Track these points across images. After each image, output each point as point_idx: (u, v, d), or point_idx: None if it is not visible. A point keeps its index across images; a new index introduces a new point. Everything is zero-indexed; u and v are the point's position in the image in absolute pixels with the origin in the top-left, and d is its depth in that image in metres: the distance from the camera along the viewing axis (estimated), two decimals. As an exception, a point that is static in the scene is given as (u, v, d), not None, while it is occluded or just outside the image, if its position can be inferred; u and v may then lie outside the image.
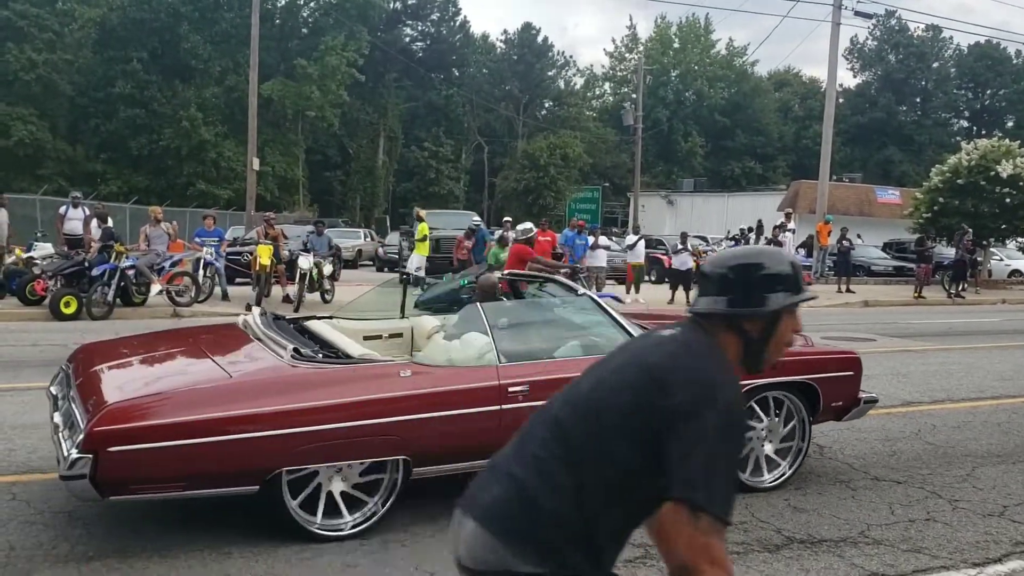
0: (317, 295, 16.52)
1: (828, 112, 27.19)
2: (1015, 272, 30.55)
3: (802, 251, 29.04)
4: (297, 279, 15.79)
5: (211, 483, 4.39)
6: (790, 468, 5.92)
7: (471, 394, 4.87)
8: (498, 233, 19.72)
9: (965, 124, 71.71)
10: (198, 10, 44.85)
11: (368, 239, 35.19)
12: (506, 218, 24.89)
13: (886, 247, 32.85)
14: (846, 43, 71.14)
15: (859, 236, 29.12)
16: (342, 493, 4.72)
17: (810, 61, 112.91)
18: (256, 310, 6.18)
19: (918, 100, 71.33)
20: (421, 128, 57.59)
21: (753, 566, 4.55)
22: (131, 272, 14.34)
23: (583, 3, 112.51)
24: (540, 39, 62.64)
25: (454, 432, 4.81)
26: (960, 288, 23.30)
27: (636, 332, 5.39)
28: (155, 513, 4.96)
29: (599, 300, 5.92)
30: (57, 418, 4.73)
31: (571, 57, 67.25)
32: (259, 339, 5.35)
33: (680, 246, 20.65)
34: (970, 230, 24.56)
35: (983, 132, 60.14)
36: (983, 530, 5.19)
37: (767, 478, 5.84)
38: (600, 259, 19.30)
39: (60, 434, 4.50)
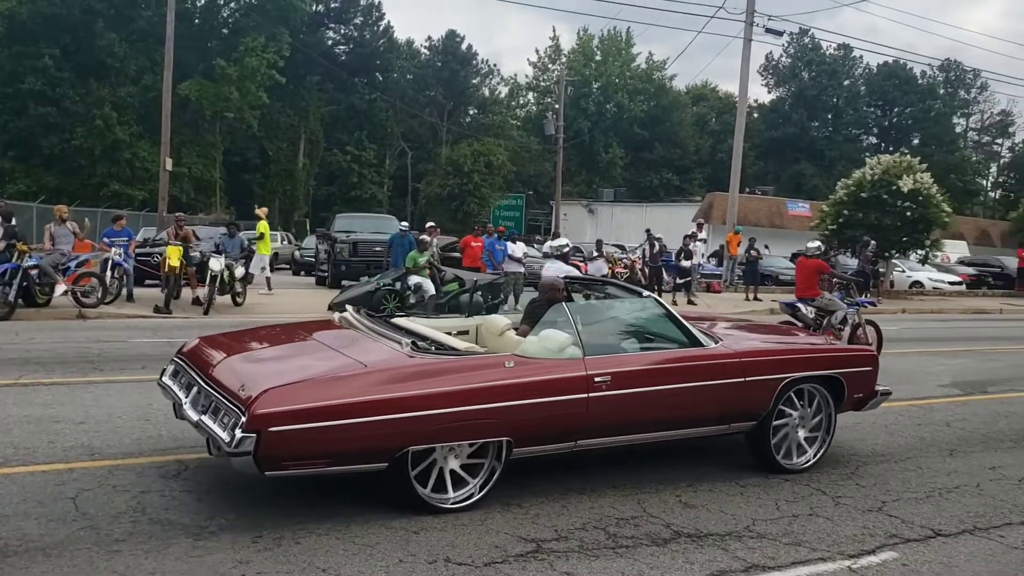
0: (228, 298, 16.23)
1: (739, 126, 27.91)
2: (916, 283, 31.75)
3: (713, 260, 29.72)
4: (208, 281, 15.49)
5: (350, 460, 4.93)
6: (814, 455, 6.63)
7: (564, 383, 5.47)
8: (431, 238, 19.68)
9: (874, 140, 74.37)
10: (114, 7, 43.60)
11: (285, 242, 34.67)
12: (429, 223, 24.86)
13: (794, 257, 33.77)
14: (761, 60, 73.26)
15: (766, 247, 29.91)
16: (451, 472, 5.25)
17: (727, 77, 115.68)
18: (351, 308, 6.67)
19: (830, 116, 73.68)
20: (343, 132, 57.08)
21: (640, 559, 4.66)
22: (34, 272, 13.87)
23: (508, 13, 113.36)
24: (465, 47, 62.82)
25: (548, 416, 5.42)
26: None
27: (694, 331, 6.32)
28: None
29: (663, 303, 6.56)
30: (187, 405, 5.23)
31: (495, 66, 67.40)
32: (370, 333, 5.92)
33: (595, 253, 20.97)
34: (873, 242, 25.43)
35: (891, 148, 62.40)
36: (861, 524, 5.41)
37: (798, 461, 6.55)
38: (518, 265, 19.42)
39: (202, 418, 4.96)
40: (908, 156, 29.43)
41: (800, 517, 5.48)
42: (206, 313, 15.12)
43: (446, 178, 51.17)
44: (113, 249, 15.80)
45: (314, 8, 56.33)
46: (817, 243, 14.20)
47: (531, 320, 6.44)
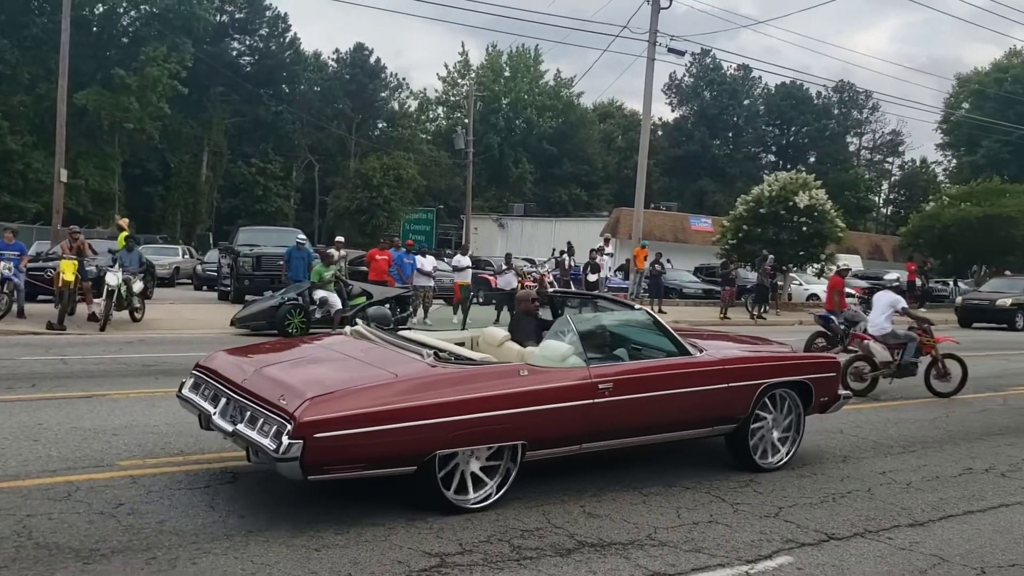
0: (126, 313, 15.68)
1: (643, 143, 28.46)
2: (813, 296, 32.88)
3: (619, 274, 30.20)
4: (104, 296, 14.94)
5: (383, 464, 5.20)
6: (787, 454, 7.17)
7: (572, 390, 5.85)
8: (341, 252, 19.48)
9: (772, 158, 76.81)
10: (6, 13, 41.87)
11: (187, 256, 33.72)
12: (338, 237, 24.56)
13: (697, 271, 34.64)
14: (665, 79, 75.00)
15: (668, 261, 30.55)
16: (472, 474, 5.57)
17: (633, 95, 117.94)
18: (361, 321, 7.08)
19: (730, 135, 75.84)
20: (249, 144, 55.97)
21: (544, 570, 4.66)
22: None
23: (416, 27, 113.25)
24: (373, 60, 62.33)
25: (558, 421, 5.80)
26: (762, 310, 24.85)
27: (682, 341, 6.77)
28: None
29: (654, 314, 7.06)
30: (217, 417, 5.46)
31: (404, 79, 66.82)
32: (387, 345, 6.25)
33: (505, 267, 21.05)
34: (770, 256, 26.27)
35: (788, 166, 64.61)
36: (759, 530, 5.54)
37: (772, 460, 7.08)
38: (427, 279, 19.35)
39: (238, 428, 5.20)
40: (804, 173, 30.57)
41: (700, 524, 5.58)
42: (102, 329, 14.59)
43: (355, 191, 50.73)
44: (2, 263, 15.09)
45: (218, 18, 55.11)
46: (846, 264, 15.97)
47: (517, 333, 6.76)
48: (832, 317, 14.31)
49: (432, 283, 19.62)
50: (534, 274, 27.18)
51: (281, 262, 18.73)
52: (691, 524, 5.57)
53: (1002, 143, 62.14)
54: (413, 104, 68.32)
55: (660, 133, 74.08)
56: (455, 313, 20.21)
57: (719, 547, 5.18)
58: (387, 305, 16.71)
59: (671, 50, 27.91)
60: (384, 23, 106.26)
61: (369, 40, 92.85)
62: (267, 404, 5.12)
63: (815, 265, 29.88)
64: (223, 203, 55.32)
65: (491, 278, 24.86)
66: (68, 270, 14.99)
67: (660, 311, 23.60)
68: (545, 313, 7.63)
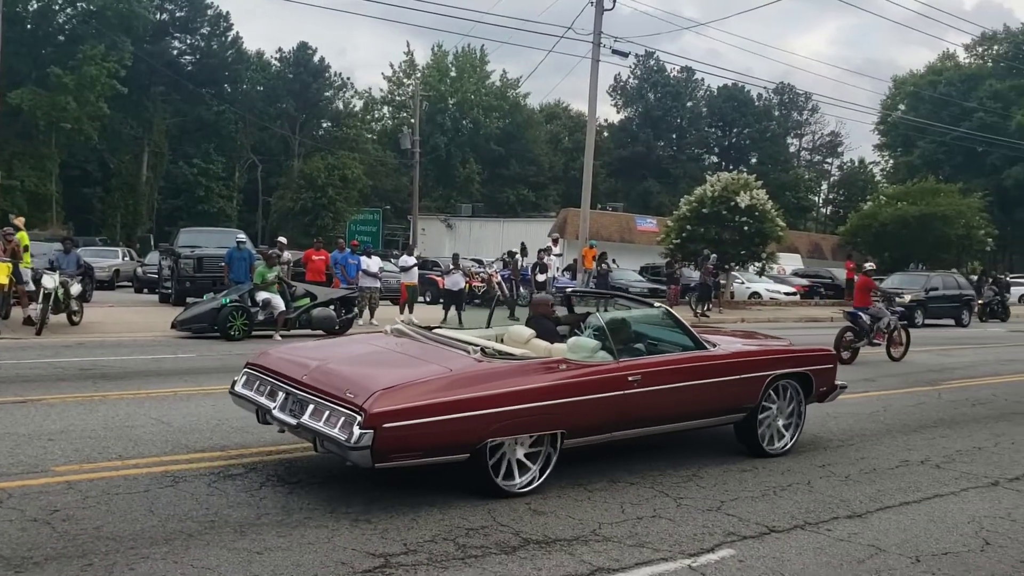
0: (64, 317, 15.31)
1: (589, 144, 28.62)
2: (755, 294, 33.46)
3: (567, 274, 30.30)
4: (40, 299, 14.55)
5: (441, 452, 5.58)
6: (791, 440, 7.69)
7: (606, 382, 6.32)
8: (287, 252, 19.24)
9: (715, 159, 77.89)
10: (-67, 7, 40.54)
11: (127, 258, 33.03)
12: (280, 238, 24.27)
13: (643, 271, 34.95)
14: (610, 80, 75.55)
15: (614, 261, 30.76)
16: (517, 461, 5.96)
17: (579, 96, 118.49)
18: (400, 321, 7.58)
19: (674, 136, 76.74)
20: (190, 144, 55.02)
21: (489, 567, 4.66)
22: None
23: (360, 26, 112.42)
24: (317, 59, 61.73)
25: (594, 411, 6.25)
26: (705, 308, 25.16)
27: (699, 336, 7.34)
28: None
29: (672, 311, 7.54)
30: (276, 411, 5.81)
31: (349, 79, 66.36)
32: (430, 342, 6.67)
33: (452, 267, 20.97)
34: (713, 255, 26.61)
35: (731, 167, 65.64)
36: (701, 523, 5.61)
37: (777, 446, 7.58)
38: (373, 280, 19.20)
39: (303, 421, 5.54)
40: (745, 174, 31.02)
41: (644, 519, 5.63)
42: (39, 333, 14.23)
43: (299, 192, 50.22)
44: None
45: (158, 16, 54.03)
46: (871, 264, 17.99)
47: (538, 332, 7.03)
48: (860, 313, 15.53)
49: (378, 284, 19.47)
50: (482, 274, 27.23)
51: (223, 263, 18.43)
52: (635, 519, 5.61)
53: (937, 144, 63.88)
54: (358, 104, 67.94)
55: (606, 134, 74.63)
56: (400, 313, 20.20)
57: (662, 541, 5.22)
58: (332, 306, 16.57)
59: (615, 52, 28.14)
60: (328, 22, 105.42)
61: (313, 39, 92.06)
62: (333, 398, 5.47)
63: (756, 264, 30.35)
64: (164, 204, 54.30)
65: (439, 278, 24.83)
66: (2, 273, 14.58)
67: (606, 310, 23.80)
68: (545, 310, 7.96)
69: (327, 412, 5.43)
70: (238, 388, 6.48)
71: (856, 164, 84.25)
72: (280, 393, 5.94)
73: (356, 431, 5.16)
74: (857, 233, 42.16)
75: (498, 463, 5.86)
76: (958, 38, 64.50)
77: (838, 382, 8.21)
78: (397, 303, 21.66)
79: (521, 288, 23.14)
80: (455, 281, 20.54)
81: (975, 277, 35.57)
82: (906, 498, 6.45)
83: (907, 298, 24.88)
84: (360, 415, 5.20)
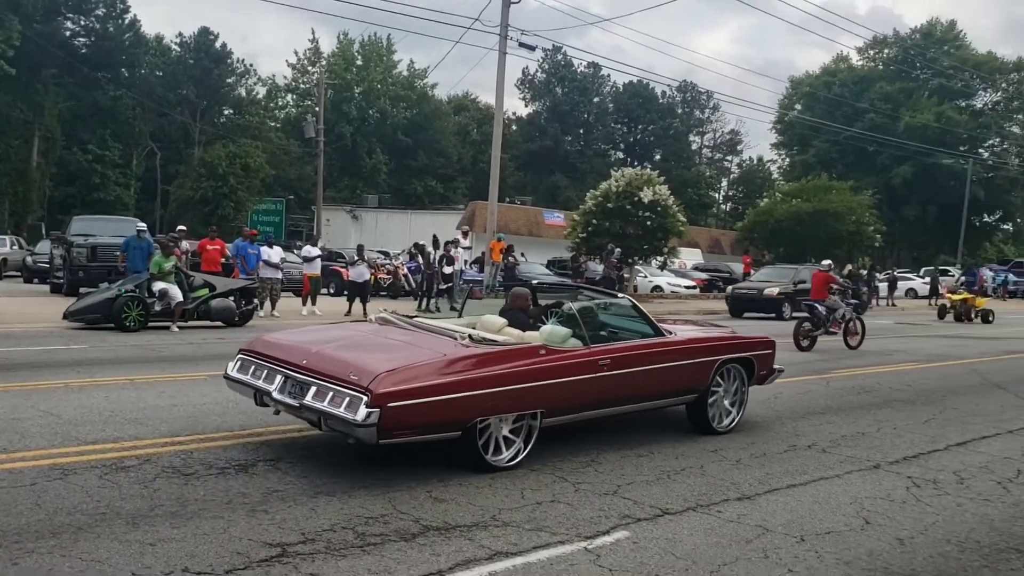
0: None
1: (496, 136, 28.73)
2: (657, 287, 34.16)
3: (475, 267, 30.36)
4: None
5: (436, 430, 6.05)
6: (737, 415, 8.47)
7: (580, 366, 6.86)
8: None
9: (621, 155, 79.13)
10: None
11: (16, 247, 31.60)
12: (180, 227, 23.63)
13: (550, 264, 35.28)
14: (518, 74, 75.92)
15: (522, 254, 31.01)
16: (503, 437, 6.49)
17: (487, 89, 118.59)
18: (386, 310, 7.93)
19: (581, 131, 77.65)
20: (85, 130, 52.89)
21: (388, 555, 4.68)
22: None
23: (264, 12, 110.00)
24: (219, 45, 60.12)
25: (568, 392, 6.79)
26: (611, 301, 25.54)
27: (665, 327, 8.12)
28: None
29: (634, 301, 8.23)
30: (276, 393, 6.16)
31: (252, 65, 64.73)
32: (418, 330, 7.11)
33: (357, 258, 20.78)
34: (618, 249, 27.08)
35: (635, 163, 66.78)
36: (598, 507, 5.74)
37: (725, 423, 8.32)
38: (274, 271, 18.85)
39: (305, 402, 5.90)
40: (649, 170, 31.67)
41: (543, 504, 5.73)
42: (-85, 324, 13.52)
43: (199, 180, 48.93)
44: None
45: (49, -6, 51.66)
46: (828, 261, 19.83)
47: (510, 320, 7.44)
48: (816, 305, 16.98)
49: (279, 275, 19.12)
50: (388, 266, 27.07)
51: (118, 252, 17.84)
52: (534, 504, 5.71)
53: (830, 143, 66.44)
54: (261, 91, 66.50)
55: (514, 127, 74.98)
56: (303, 305, 19.90)
57: (560, 525, 5.33)
58: (231, 297, 16.23)
59: (522, 44, 28.30)
60: (230, 7, 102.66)
61: (214, 24, 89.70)
62: (336, 380, 5.84)
63: (659, 258, 31.01)
64: (56, 192, 52.05)
65: (343, 270, 24.55)
66: None
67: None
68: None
69: (330, 393, 5.80)
70: (233, 373, 6.78)
71: (755, 162, 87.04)
72: (278, 376, 6.28)
73: (363, 410, 5.54)
74: (754, 229, 43.51)
75: (487, 441, 6.35)
76: (851, 41, 67.46)
77: (776, 366, 9.06)
78: (299, 295, 21.36)
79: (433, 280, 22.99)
80: (360, 272, 20.37)
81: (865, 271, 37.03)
82: (793, 481, 6.73)
83: (775, 291, 25.66)
84: (366, 395, 5.58)
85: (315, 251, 20.71)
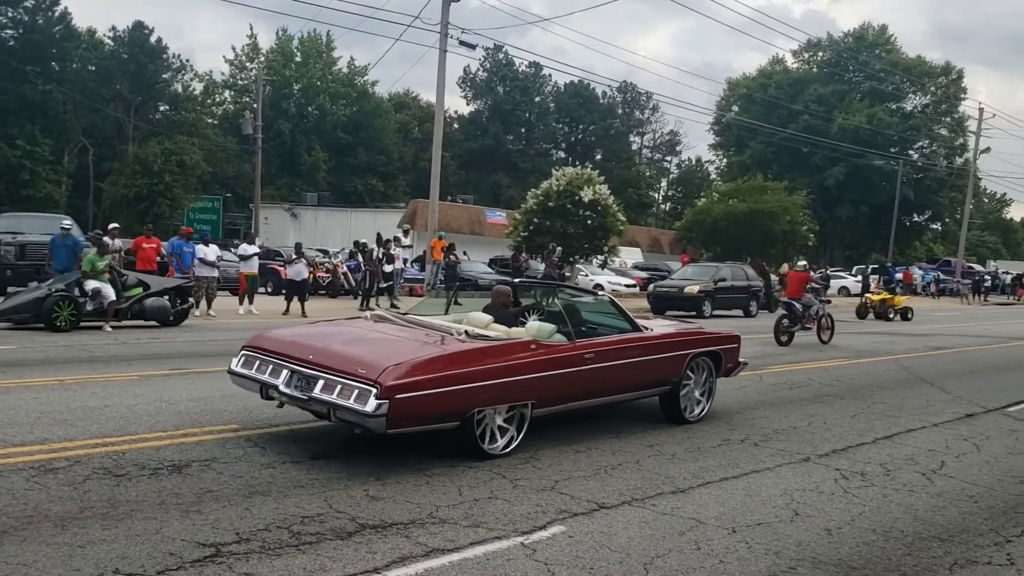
0: None
1: (437, 135, 28.63)
2: (597, 286, 34.32)
3: (416, 265, 30.29)
4: None
5: (437, 420, 6.41)
6: (707, 405, 9.09)
7: (568, 359, 7.32)
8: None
9: (563, 155, 79.55)
10: None
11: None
12: (112, 224, 23.07)
13: (492, 263, 35.32)
14: (460, 72, 75.83)
15: (464, 252, 31.01)
16: (498, 426, 6.88)
17: (429, 87, 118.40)
18: (379, 307, 7.84)
19: (523, 130, 77.87)
20: (13, 125, 51.17)
21: (323, 553, 4.66)
22: None
23: (200, 7, 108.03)
24: (154, 39, 58.76)
25: (556, 384, 7.23)
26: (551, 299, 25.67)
27: (640, 323, 8.60)
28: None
29: (613, 298, 9.02)
30: (283, 387, 6.47)
31: (188, 61, 63.47)
32: (418, 326, 7.50)
33: (295, 256, 20.55)
34: (559, 248, 27.24)
35: (577, 163, 67.19)
36: (535, 502, 5.80)
37: (696, 413, 8.91)
38: (210, 269, 18.55)
39: (314, 395, 6.24)
40: (590, 169, 31.91)
41: (481, 500, 5.76)
42: None
43: (134, 178, 47.82)
44: None
45: (-28, -15, 50.03)
46: (804, 261, 21.14)
47: (496, 317, 7.77)
48: (794, 303, 18.07)
49: (216, 273, 18.83)
50: (327, 264, 26.82)
51: (47, 251, 17.37)
52: (472, 501, 5.74)
53: (766, 144, 67.73)
54: (198, 87, 65.11)
55: (456, 126, 74.84)
56: (240, 305, 19.61)
57: (497, 521, 5.37)
58: (166, 296, 15.94)
59: (463, 43, 28.23)
60: (164, 1, 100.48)
61: (149, 18, 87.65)
62: (344, 374, 6.16)
63: (599, 257, 31.26)
64: (-17, 188, 50.37)
65: (280, 268, 24.26)
66: None
67: (456, 303, 23.88)
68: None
69: (339, 387, 6.12)
70: (237, 368, 7.06)
71: (693, 163, 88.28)
72: (284, 371, 6.57)
73: (373, 402, 5.86)
74: (692, 228, 44.08)
75: (483, 431, 6.73)
76: (787, 44, 68.75)
77: (741, 359, 9.68)
78: (236, 294, 21.05)
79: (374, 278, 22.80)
80: (298, 271, 20.17)
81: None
82: (726, 474, 6.87)
83: (695, 289, 25.76)
84: (376, 388, 5.90)
85: (252, 249, 20.42)
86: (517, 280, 10.47)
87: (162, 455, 6.42)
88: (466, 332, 7.11)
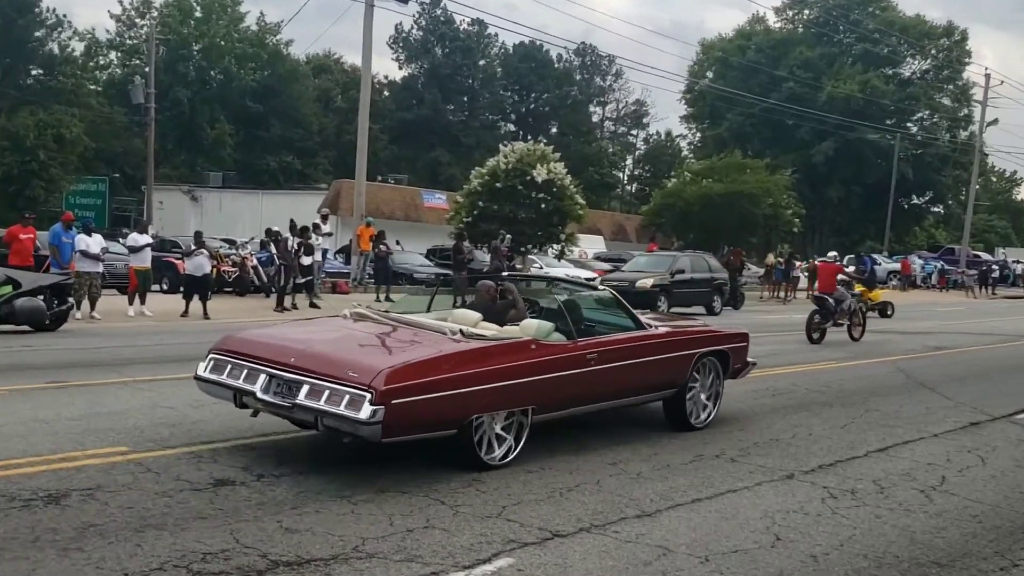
0: None
1: (363, 102, 28.53)
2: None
3: (340, 256, 30.10)
4: None
5: (434, 428, 6.71)
6: (714, 409, 9.46)
7: (570, 360, 7.66)
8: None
9: (512, 128, 79.85)
10: None
11: None
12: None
13: (430, 253, 35.24)
14: (391, 31, 75.50)
15: (397, 242, 30.90)
16: (496, 435, 7.17)
17: (353, 48, 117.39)
18: (363, 306, 8.63)
19: (465, 99, 77.89)
20: None
21: (229, 596, 4.64)
22: None
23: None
24: (24, -10, 57.61)
25: (557, 387, 7.55)
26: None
27: (643, 319, 9.01)
28: None
29: (615, 293, 9.37)
30: (260, 393, 6.65)
31: (66, 17, 62.19)
32: (405, 324, 7.79)
33: (195, 248, 20.25)
34: (508, 236, 27.28)
35: (529, 137, 67.41)
36: (479, 532, 5.82)
37: (702, 418, 9.27)
38: (93, 263, 18.22)
39: (298, 401, 6.43)
40: (543, 144, 31.98)
41: (415, 531, 5.77)
42: None
43: (1, 155, 46.88)
44: None
45: None
46: (834, 252, 23.16)
47: (484, 315, 8.04)
48: (827, 297, 19.14)
49: (100, 268, 18.46)
50: (233, 257, 26.50)
51: None
52: (405, 531, 5.74)
53: (745, 116, 68.36)
54: (78, 47, 63.91)
55: (387, 94, 74.59)
56: (130, 304, 19.33)
57: (434, 554, 5.38)
58: (40, 296, 15.67)
59: (392, -4, 28.15)
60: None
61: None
62: (332, 378, 6.37)
63: (555, 246, 31.33)
64: None
65: (178, 262, 23.92)
66: None
67: (387, 299, 23.77)
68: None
69: (326, 392, 6.32)
70: (205, 374, 7.23)
71: (662, 137, 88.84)
72: (261, 376, 6.74)
73: (368, 408, 6.09)
74: (661, 213, 44.21)
75: (480, 439, 6.99)
76: (768, 0, 69.64)
77: (749, 359, 10.07)
78: (125, 292, 20.69)
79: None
80: (199, 265, 19.88)
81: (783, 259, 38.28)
82: (698, 494, 6.97)
83: (648, 283, 25.84)
84: (369, 393, 6.12)
85: (144, 240, 20.10)
86: (507, 274, 11.14)
87: (36, 483, 6.33)
88: (461, 331, 7.33)
